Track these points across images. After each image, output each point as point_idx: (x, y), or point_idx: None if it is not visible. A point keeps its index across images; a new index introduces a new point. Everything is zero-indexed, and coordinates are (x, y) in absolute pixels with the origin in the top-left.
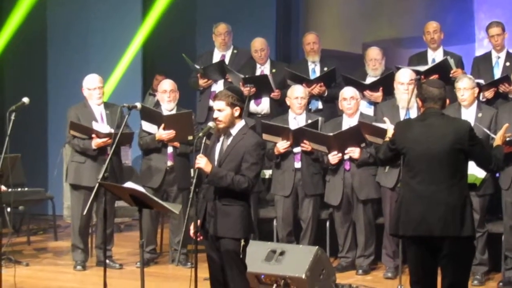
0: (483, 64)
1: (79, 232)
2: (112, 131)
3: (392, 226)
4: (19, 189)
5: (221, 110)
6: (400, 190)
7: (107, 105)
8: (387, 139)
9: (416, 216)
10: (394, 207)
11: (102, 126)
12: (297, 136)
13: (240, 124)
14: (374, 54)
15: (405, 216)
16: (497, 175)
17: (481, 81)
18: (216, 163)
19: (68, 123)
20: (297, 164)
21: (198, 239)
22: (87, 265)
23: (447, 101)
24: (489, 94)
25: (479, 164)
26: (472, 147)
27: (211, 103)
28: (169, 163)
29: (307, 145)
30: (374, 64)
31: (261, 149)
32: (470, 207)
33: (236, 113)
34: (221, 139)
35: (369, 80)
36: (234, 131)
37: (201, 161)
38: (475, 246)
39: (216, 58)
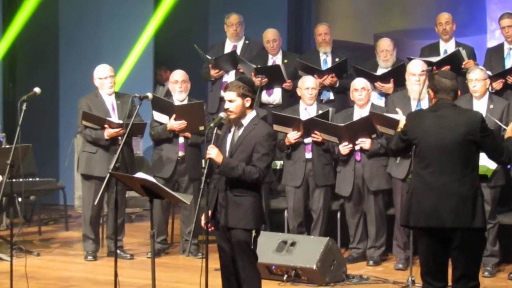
0: (495, 55)
1: (90, 222)
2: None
3: (403, 217)
4: (30, 179)
5: (232, 101)
6: (411, 181)
7: (118, 95)
8: (399, 129)
9: (427, 207)
10: (405, 198)
11: (115, 118)
12: (308, 126)
13: (251, 114)
14: (385, 45)
15: (416, 207)
16: (508, 166)
17: (489, 73)
18: (227, 153)
19: (80, 113)
20: (308, 155)
21: (209, 229)
22: (98, 255)
23: (459, 92)
24: (497, 85)
25: (491, 156)
26: (484, 138)
27: (222, 93)
28: (180, 153)
29: (318, 136)
30: (385, 55)
31: (272, 139)
32: (482, 198)
33: (247, 104)
34: (232, 129)
35: (380, 71)
36: (245, 121)
37: (212, 152)
38: (486, 238)
39: (227, 48)
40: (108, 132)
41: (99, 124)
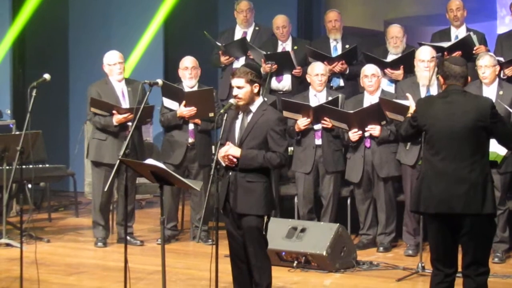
0: (506, 41)
1: (100, 209)
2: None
3: (413, 203)
4: (40, 166)
5: (241, 87)
6: (421, 167)
7: (128, 82)
8: (409, 115)
9: (437, 193)
10: (415, 184)
11: (125, 105)
12: (318, 113)
13: (259, 101)
14: (395, 31)
15: (426, 193)
16: None
17: (501, 59)
18: (236, 140)
19: (89, 100)
20: (318, 141)
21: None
22: (108, 242)
23: (469, 78)
24: (509, 71)
25: (501, 142)
26: (494, 124)
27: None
28: (190, 140)
29: (327, 122)
30: (395, 42)
31: (283, 124)
32: (492, 184)
33: (255, 90)
34: (240, 116)
35: (390, 57)
36: (253, 108)
37: (229, 149)
38: (496, 224)
39: (237, 35)
40: (116, 118)
41: (107, 110)
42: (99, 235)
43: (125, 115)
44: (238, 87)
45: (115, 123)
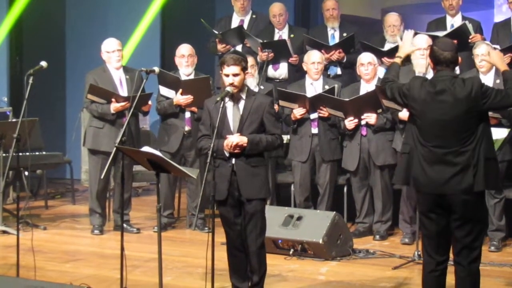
0: (502, 30)
1: (96, 197)
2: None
3: (401, 177)
4: (37, 153)
5: (237, 75)
6: (406, 139)
7: (126, 70)
8: (397, 59)
9: (430, 175)
10: (403, 158)
11: (123, 92)
12: (314, 102)
13: (244, 87)
14: (392, 20)
15: (419, 173)
16: None
17: (497, 47)
18: (232, 128)
19: (86, 88)
20: (314, 130)
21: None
22: (104, 229)
23: (459, 59)
24: (505, 59)
25: (503, 107)
26: (488, 99)
27: None
28: (187, 128)
29: (324, 111)
30: (392, 30)
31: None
32: (487, 163)
33: (246, 77)
34: (231, 104)
35: (387, 46)
36: (243, 94)
37: (238, 139)
38: (487, 208)
39: (235, 22)
40: (114, 106)
41: (105, 98)
42: (95, 222)
43: (123, 104)
44: (235, 75)
45: (112, 111)
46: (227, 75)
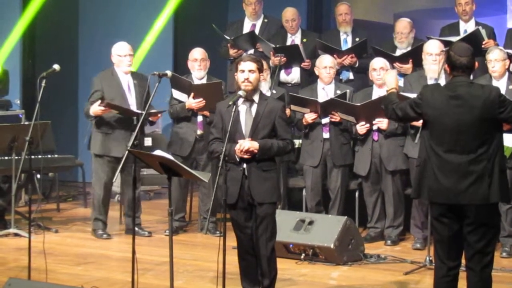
0: None
1: (103, 202)
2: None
3: (414, 190)
4: (49, 156)
5: (253, 72)
6: (420, 152)
7: (134, 75)
8: (393, 90)
9: (444, 184)
10: (416, 170)
11: (131, 98)
12: (325, 107)
13: (258, 90)
14: (401, 27)
15: (432, 183)
16: None
17: (511, 52)
18: (244, 132)
19: (92, 92)
20: (326, 135)
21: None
22: (116, 232)
23: (476, 64)
24: None
25: None
26: (505, 110)
27: None
28: (199, 131)
29: (336, 116)
30: (400, 37)
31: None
32: (501, 173)
33: (261, 79)
34: (244, 108)
35: (399, 51)
36: (256, 98)
37: (249, 144)
38: (500, 214)
39: (246, 27)
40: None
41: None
42: (99, 227)
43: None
44: (251, 71)
45: (92, 114)
46: (243, 71)
